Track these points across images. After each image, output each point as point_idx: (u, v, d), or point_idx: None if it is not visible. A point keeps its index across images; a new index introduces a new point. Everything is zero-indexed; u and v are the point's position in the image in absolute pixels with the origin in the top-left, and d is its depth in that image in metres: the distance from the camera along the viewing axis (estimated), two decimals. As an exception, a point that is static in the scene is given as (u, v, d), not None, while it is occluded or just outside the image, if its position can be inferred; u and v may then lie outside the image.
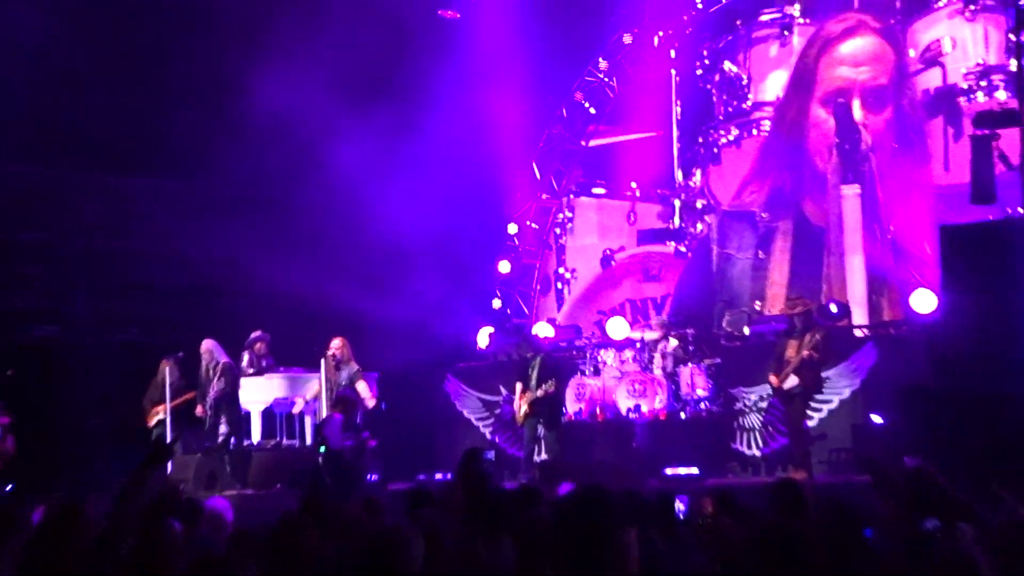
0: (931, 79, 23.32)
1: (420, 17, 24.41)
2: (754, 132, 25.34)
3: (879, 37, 23.69)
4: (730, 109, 25.58)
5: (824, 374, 17.86)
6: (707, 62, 25.97)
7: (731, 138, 25.54)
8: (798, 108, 24.42)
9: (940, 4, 23.43)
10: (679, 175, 26.12)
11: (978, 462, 12.63)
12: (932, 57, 23.24)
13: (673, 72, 26.03)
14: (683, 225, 25.85)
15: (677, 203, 25.86)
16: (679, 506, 9.65)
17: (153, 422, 20.47)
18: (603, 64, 25.28)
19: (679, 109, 26.11)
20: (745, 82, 25.46)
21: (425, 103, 23.41)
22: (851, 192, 22.91)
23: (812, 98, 24.23)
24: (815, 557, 5.33)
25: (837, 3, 24.46)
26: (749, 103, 25.45)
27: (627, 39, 24.88)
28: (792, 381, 17.45)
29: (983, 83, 22.32)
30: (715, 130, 25.84)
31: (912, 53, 23.50)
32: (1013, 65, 18.40)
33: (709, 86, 26.00)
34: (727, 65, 25.60)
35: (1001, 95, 21.57)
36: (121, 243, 23.07)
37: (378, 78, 23.17)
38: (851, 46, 23.84)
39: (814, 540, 5.83)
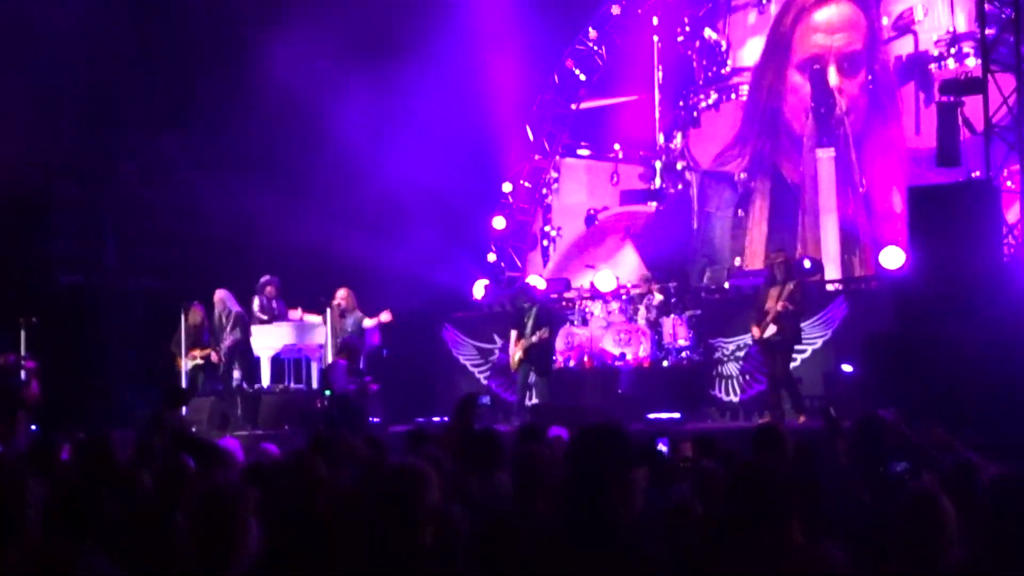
0: (903, 46, 23.21)
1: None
2: (732, 96, 25.37)
3: (853, 4, 23.58)
4: (709, 74, 25.58)
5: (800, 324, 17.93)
6: (688, 29, 25.80)
7: (710, 102, 25.56)
8: (775, 73, 24.44)
9: None
10: (660, 138, 26.09)
11: (938, 402, 12.78)
12: (904, 25, 23.09)
13: (655, 39, 25.96)
14: (664, 186, 25.82)
15: (658, 165, 25.86)
16: (662, 448, 9.73)
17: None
18: (593, 33, 25.28)
19: (661, 75, 26.03)
20: (724, 48, 25.41)
21: (426, 67, 23.43)
22: (826, 155, 23.01)
23: (789, 64, 24.22)
24: (792, 495, 5.36)
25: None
26: (728, 68, 25.45)
27: (615, 10, 24.85)
28: (771, 330, 17.50)
29: (953, 50, 22.16)
30: (695, 94, 25.84)
31: (885, 21, 23.32)
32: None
33: (690, 52, 25.85)
34: (707, 32, 25.55)
35: (971, 62, 21.28)
36: (150, 196, 23.11)
37: (380, 39, 23.15)
38: (826, 13, 23.79)
39: (791, 480, 5.90)
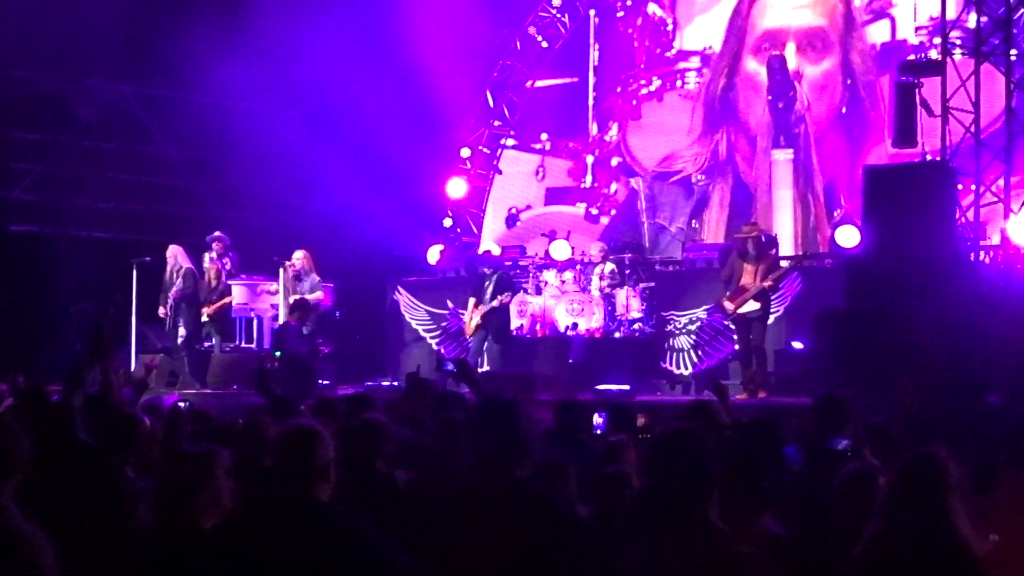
0: (879, 32, 22.18)
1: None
2: (678, 84, 24.19)
3: None
4: (652, 57, 24.51)
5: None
6: (629, 3, 24.85)
7: (652, 89, 24.43)
8: (729, 60, 23.29)
9: None
10: (593, 128, 25.24)
11: (886, 378, 12.92)
12: (880, 8, 22.11)
13: (592, 13, 25.18)
14: (595, 185, 24.99)
15: (590, 160, 25.10)
16: (597, 420, 9.92)
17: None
18: (556, 1, 25.19)
19: (597, 55, 25.12)
20: (670, 27, 24.27)
21: (384, 28, 23.40)
22: (783, 157, 22.15)
23: (743, 48, 23.13)
24: (713, 470, 5.42)
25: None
26: (673, 51, 24.30)
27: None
28: (752, 306, 17.48)
29: (937, 40, 18.64)
30: (635, 79, 24.60)
31: (858, 1, 22.37)
32: (972, 20, 17.46)
33: (631, 30, 24.83)
34: (651, 7, 24.52)
35: (957, 55, 17.36)
36: (107, 145, 23.04)
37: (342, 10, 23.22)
38: None
39: (724, 449, 5.99)
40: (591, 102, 25.17)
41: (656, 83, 24.42)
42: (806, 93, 22.26)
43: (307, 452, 5.65)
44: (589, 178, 25.06)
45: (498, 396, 6.12)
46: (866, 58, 22.10)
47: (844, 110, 22.40)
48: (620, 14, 25.00)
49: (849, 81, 22.25)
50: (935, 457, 5.43)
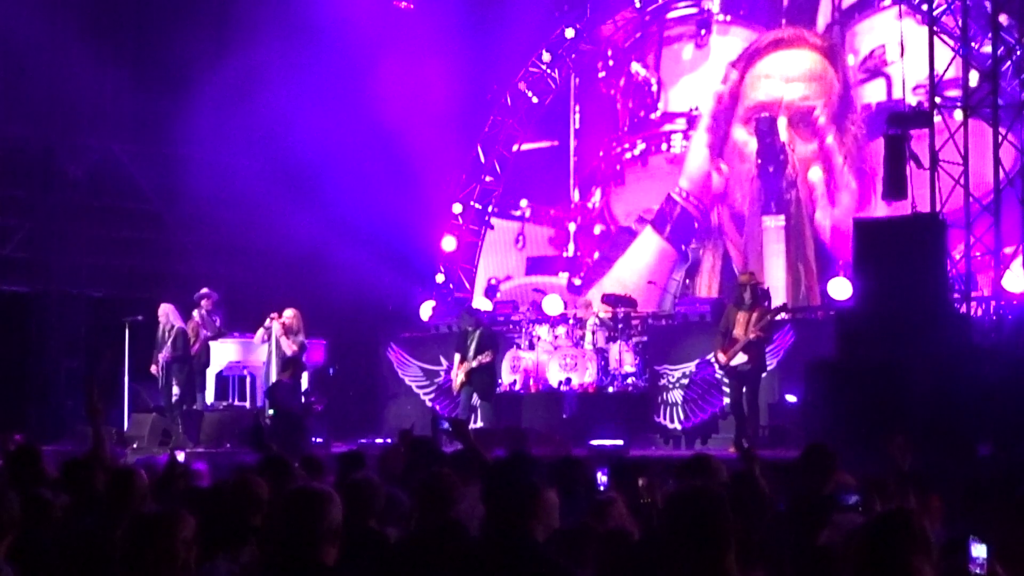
0: (874, 92, 21.83)
1: (375, 6, 24.53)
2: (663, 147, 23.97)
3: (817, 52, 22.36)
4: (636, 119, 24.34)
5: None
6: (611, 63, 24.74)
7: (636, 153, 24.24)
8: (721, 135, 23.02)
9: (886, 2, 21.46)
10: (575, 194, 25.14)
11: (877, 430, 12.97)
12: (875, 66, 21.73)
13: (572, 75, 25.18)
14: (578, 254, 24.84)
15: (572, 227, 25.06)
16: (601, 478, 9.81)
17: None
18: (546, 56, 25.28)
19: (578, 117, 25.10)
20: (654, 88, 24.05)
21: (376, 84, 23.51)
22: (774, 224, 21.97)
23: (733, 118, 22.91)
24: (730, 523, 5.41)
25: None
26: (658, 113, 24.08)
27: (569, 33, 24.87)
28: (741, 358, 17.57)
29: (937, 99, 16.97)
30: (618, 143, 24.43)
31: (852, 60, 22.13)
32: (974, 79, 17.39)
33: (613, 91, 24.71)
34: (634, 67, 24.42)
35: (958, 115, 16.79)
36: (97, 202, 23.10)
37: (330, 53, 23.32)
38: (781, 58, 22.56)
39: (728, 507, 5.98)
40: (572, 167, 25.15)
41: (640, 146, 24.22)
42: (796, 161, 22.08)
43: (317, 515, 5.54)
44: (572, 246, 24.97)
45: (517, 453, 6.08)
46: (859, 126, 21.79)
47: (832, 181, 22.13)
48: (602, 74, 24.94)
49: (838, 148, 22.00)
50: (904, 516, 5.42)
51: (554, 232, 25.35)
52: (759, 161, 22.16)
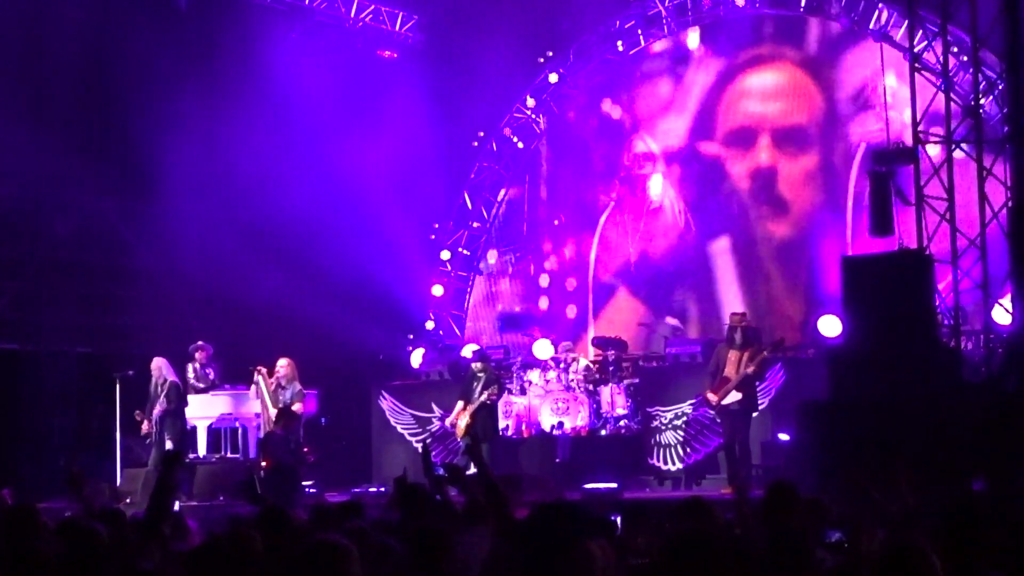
0: (863, 128, 21.56)
1: (359, 56, 24.66)
2: (639, 193, 24.24)
3: (801, 70, 22.56)
4: (610, 163, 24.61)
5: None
6: (583, 103, 25.06)
7: (612, 197, 24.59)
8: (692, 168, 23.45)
9: (876, 25, 21.00)
10: (547, 246, 25.48)
11: (869, 468, 12.97)
12: (866, 100, 21.65)
13: (541, 117, 25.44)
14: (550, 309, 25.04)
15: (545, 280, 25.28)
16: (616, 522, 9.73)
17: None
18: (531, 102, 25.39)
19: (546, 166, 25.57)
20: (629, 128, 24.42)
21: (365, 135, 23.61)
22: (721, 246, 22.60)
23: (713, 142, 23.27)
24: (721, 562, 5.39)
25: (745, 33, 23.15)
26: (635, 152, 24.36)
27: (553, 78, 25.01)
28: (734, 396, 17.61)
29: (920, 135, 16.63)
30: (592, 189, 24.75)
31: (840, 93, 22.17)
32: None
33: (584, 135, 25.03)
34: (607, 106, 24.79)
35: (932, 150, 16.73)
36: (87, 258, 23.09)
37: (318, 106, 23.41)
38: (762, 77, 22.81)
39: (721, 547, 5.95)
40: (542, 215, 25.60)
41: (613, 195, 24.52)
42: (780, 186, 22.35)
43: (336, 569, 5.48)
44: (545, 301, 25.21)
45: (556, 502, 5.88)
46: (848, 158, 21.90)
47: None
48: (570, 114, 25.26)
49: (826, 178, 22.18)
50: (919, 552, 5.43)
51: (523, 288, 25.71)
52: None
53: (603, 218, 24.73)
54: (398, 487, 10.48)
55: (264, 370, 20.05)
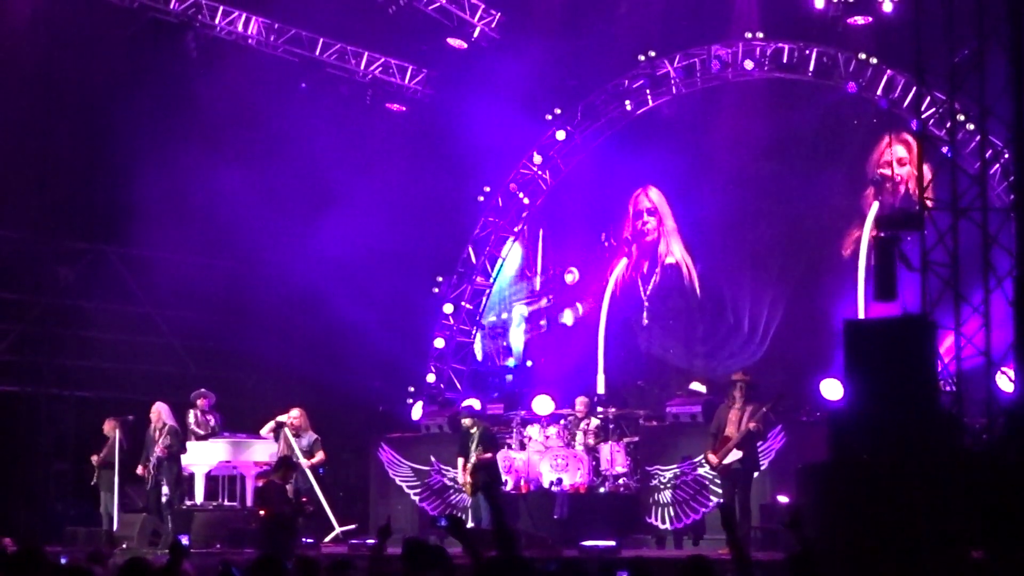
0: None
1: (368, 108, 24.73)
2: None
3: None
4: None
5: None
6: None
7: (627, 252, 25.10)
8: None
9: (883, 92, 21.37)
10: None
11: (870, 533, 12.94)
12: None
13: (547, 173, 25.67)
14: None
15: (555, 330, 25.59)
16: None
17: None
18: (537, 159, 25.44)
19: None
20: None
21: (371, 189, 23.65)
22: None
23: None
24: None
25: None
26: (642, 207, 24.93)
27: (560, 135, 25.06)
28: (735, 456, 17.57)
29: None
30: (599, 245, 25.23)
31: None
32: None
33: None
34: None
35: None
36: (88, 305, 23.06)
37: (328, 164, 23.48)
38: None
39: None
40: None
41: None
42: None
43: None
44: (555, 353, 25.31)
45: (510, 557, 5.89)
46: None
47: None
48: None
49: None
50: None
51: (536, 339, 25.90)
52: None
53: (615, 274, 24.94)
54: (382, 536, 10.30)
55: (285, 420, 20.03)
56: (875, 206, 20.63)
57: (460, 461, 19.83)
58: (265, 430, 20.44)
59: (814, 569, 8.01)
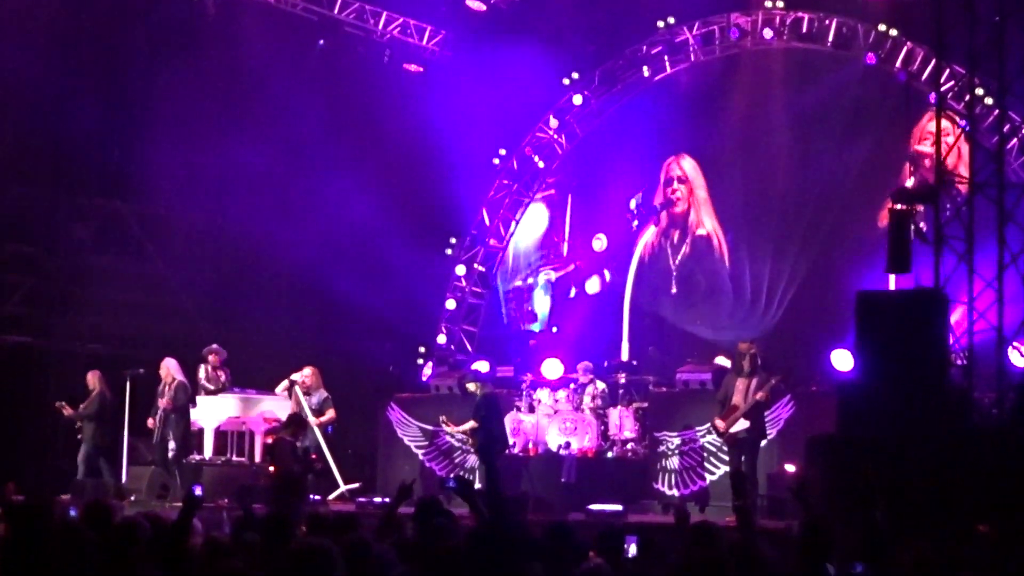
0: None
1: (385, 68, 24.64)
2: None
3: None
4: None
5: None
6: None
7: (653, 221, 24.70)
8: None
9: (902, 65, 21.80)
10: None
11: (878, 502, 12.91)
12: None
13: (562, 137, 25.65)
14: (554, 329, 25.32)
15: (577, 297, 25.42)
16: (632, 548, 9.54)
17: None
18: (553, 122, 25.35)
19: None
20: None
21: (386, 149, 23.62)
22: None
23: None
24: None
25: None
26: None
27: (577, 99, 24.98)
28: (741, 425, 17.57)
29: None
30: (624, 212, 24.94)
31: None
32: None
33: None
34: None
35: None
36: (104, 261, 23.08)
37: (340, 112, 23.43)
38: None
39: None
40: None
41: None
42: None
43: (320, 572, 5.60)
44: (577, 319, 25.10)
45: (490, 527, 5.90)
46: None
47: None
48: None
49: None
50: None
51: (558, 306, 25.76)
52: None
53: (643, 241, 24.82)
54: (401, 496, 10.27)
55: (298, 379, 20.08)
56: (910, 182, 20.45)
57: (470, 424, 19.91)
58: (279, 388, 20.48)
59: (826, 537, 7.99)
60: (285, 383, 20.30)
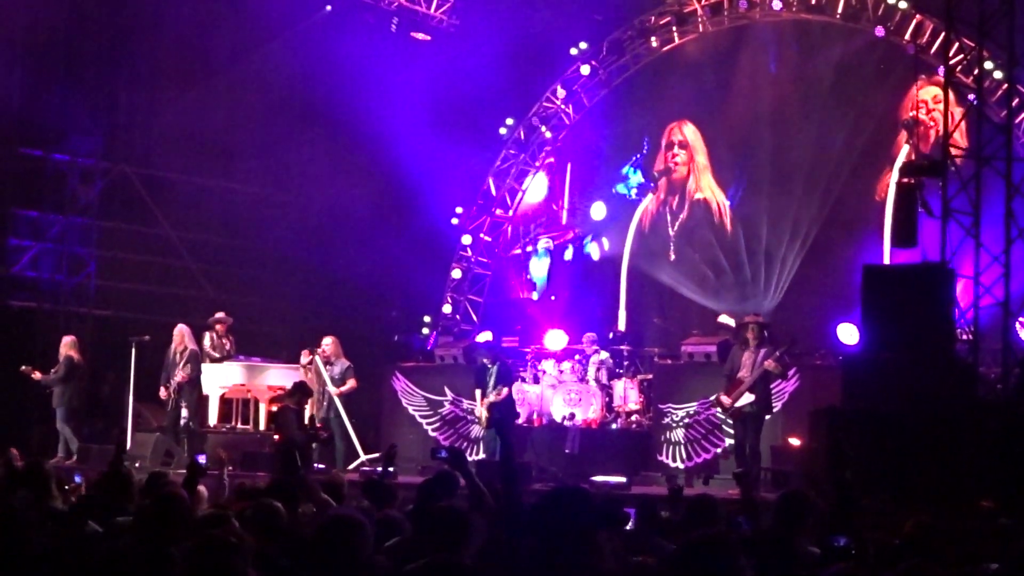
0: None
1: (392, 36, 24.57)
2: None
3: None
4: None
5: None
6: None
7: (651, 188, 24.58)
8: None
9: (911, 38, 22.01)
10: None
11: (881, 478, 13.00)
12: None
13: (570, 107, 25.42)
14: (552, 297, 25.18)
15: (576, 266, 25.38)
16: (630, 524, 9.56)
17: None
18: (560, 92, 25.30)
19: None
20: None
21: (391, 118, 23.57)
22: None
23: None
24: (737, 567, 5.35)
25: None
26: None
27: (584, 70, 24.92)
28: (747, 398, 17.54)
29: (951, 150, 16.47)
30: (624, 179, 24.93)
31: None
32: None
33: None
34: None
35: None
36: (110, 224, 23.09)
37: (349, 90, 23.39)
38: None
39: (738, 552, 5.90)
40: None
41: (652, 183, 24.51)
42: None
43: (349, 543, 5.66)
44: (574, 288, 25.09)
45: (567, 488, 5.83)
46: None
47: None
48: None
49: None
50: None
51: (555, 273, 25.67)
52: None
53: (641, 207, 24.67)
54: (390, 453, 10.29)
55: (319, 350, 20.12)
56: (904, 150, 20.37)
57: (478, 393, 19.92)
58: (303, 359, 20.46)
59: (800, 508, 7.95)
60: (307, 354, 20.30)
